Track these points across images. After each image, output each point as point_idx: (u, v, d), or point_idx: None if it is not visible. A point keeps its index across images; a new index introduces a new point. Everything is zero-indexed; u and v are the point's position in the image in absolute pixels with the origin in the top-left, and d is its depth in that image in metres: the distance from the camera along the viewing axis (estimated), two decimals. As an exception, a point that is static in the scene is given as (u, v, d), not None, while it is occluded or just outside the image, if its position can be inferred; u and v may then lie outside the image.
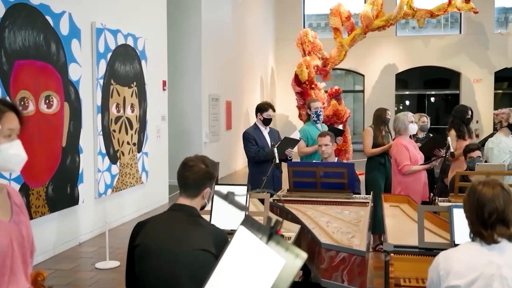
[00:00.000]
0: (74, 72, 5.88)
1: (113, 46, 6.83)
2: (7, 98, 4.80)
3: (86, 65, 6.21)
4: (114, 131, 6.88)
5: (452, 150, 4.26)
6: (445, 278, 2.02)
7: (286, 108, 17.46)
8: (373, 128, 5.61)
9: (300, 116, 12.37)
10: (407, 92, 19.92)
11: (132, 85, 7.34)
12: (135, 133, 7.46)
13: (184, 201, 2.28)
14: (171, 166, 8.64)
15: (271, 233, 1.27)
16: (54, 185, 5.52)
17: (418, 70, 18.54)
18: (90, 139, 6.30)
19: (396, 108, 18.74)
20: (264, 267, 1.22)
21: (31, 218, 5.11)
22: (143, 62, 7.67)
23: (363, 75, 18.63)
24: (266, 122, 5.35)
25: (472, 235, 2.07)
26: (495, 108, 17.59)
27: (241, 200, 1.53)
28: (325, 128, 5.87)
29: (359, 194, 4.36)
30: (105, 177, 6.63)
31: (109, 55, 6.72)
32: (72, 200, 5.88)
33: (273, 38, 18.48)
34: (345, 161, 11.47)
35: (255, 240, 1.29)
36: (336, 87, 12.04)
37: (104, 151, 6.60)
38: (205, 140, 10.76)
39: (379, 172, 5.54)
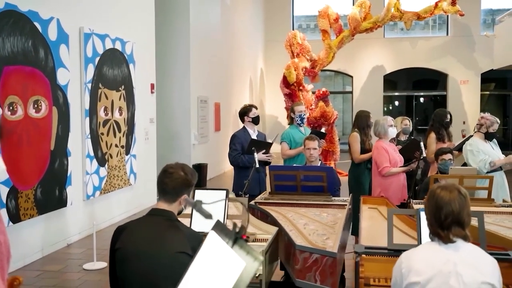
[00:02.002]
0: (62, 76, 5.98)
1: (101, 50, 6.93)
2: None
3: (74, 69, 6.31)
4: (102, 134, 6.98)
5: (424, 154, 4.42)
6: (406, 275, 2.17)
7: (275, 109, 17.60)
8: (359, 133, 5.69)
9: (288, 117, 12.49)
10: (395, 93, 20.15)
11: (120, 88, 7.44)
12: (123, 135, 7.56)
13: (162, 206, 2.42)
14: (159, 168, 8.58)
15: (236, 238, 1.41)
16: (42, 187, 5.62)
17: (406, 71, 18.77)
18: (78, 142, 6.41)
19: (385, 109, 18.95)
20: (228, 269, 1.36)
21: (20, 220, 5.22)
22: (131, 66, 7.77)
23: (352, 76, 18.82)
24: (256, 120, 5.39)
25: (431, 235, 2.22)
26: (481, 108, 17.85)
27: (209, 208, 1.66)
28: (308, 131, 5.97)
29: (339, 196, 4.49)
30: (93, 179, 6.73)
31: (97, 59, 6.82)
32: (60, 202, 5.99)
33: (262, 39, 18.60)
34: (332, 162, 11.64)
35: (222, 244, 1.43)
36: (324, 89, 12.18)
37: (92, 154, 6.70)
38: (193, 142, 10.85)
39: (365, 176, 5.65)
